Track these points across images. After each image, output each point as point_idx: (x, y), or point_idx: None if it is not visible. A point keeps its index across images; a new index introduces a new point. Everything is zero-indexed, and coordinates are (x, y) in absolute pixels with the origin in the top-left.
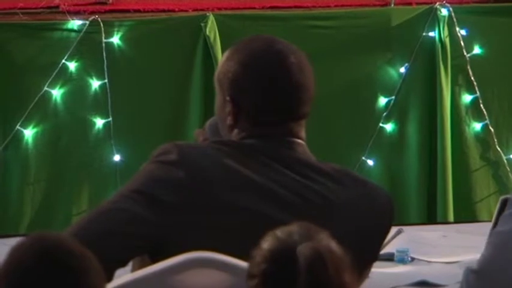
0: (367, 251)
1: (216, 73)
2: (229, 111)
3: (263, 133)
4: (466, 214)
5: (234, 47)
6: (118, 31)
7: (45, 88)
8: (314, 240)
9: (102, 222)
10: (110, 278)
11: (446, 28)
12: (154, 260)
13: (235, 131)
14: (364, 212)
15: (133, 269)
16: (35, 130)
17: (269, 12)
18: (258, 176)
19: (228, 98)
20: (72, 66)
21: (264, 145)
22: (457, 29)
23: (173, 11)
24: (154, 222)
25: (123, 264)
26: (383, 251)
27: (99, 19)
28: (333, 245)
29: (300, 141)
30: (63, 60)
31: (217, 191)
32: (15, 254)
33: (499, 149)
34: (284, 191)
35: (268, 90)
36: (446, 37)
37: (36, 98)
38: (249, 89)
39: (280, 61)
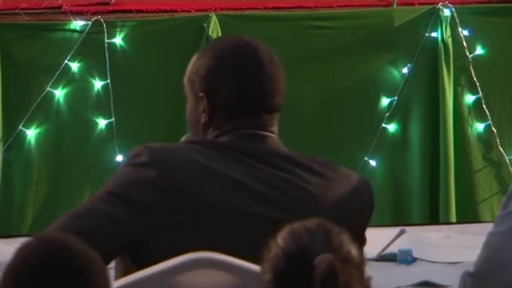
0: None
1: (186, 76)
2: (203, 108)
3: (236, 128)
4: (469, 214)
5: (203, 49)
6: (120, 31)
7: (48, 88)
8: (333, 245)
9: (78, 223)
10: None
11: (448, 28)
12: (135, 261)
13: (210, 130)
14: (345, 199)
15: (116, 273)
16: (37, 130)
17: (271, 12)
18: (232, 172)
19: (201, 94)
20: (74, 66)
21: (237, 141)
22: (460, 29)
23: (176, 11)
24: (129, 222)
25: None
26: (386, 251)
27: (101, 19)
28: (352, 248)
29: (271, 134)
30: (66, 61)
31: (190, 189)
32: (21, 255)
33: (501, 149)
34: (260, 185)
35: (241, 81)
36: (448, 37)
37: (39, 99)
38: (222, 82)
39: (252, 52)
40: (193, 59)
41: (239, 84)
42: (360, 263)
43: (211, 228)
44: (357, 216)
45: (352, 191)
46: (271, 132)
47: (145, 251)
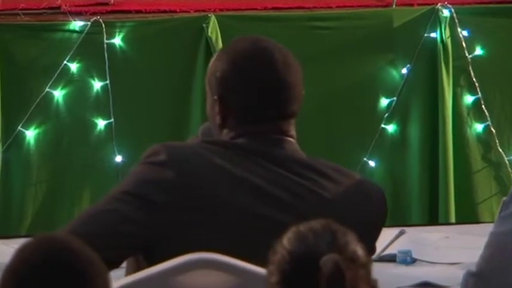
0: (366, 248)
1: (207, 75)
2: (217, 111)
3: (252, 132)
4: (468, 215)
5: (223, 48)
6: (120, 32)
7: (47, 89)
8: (339, 245)
9: (93, 224)
10: None
11: (448, 29)
12: (149, 261)
13: (225, 130)
14: (359, 207)
15: (128, 271)
16: (36, 131)
17: (271, 13)
18: (248, 174)
19: (215, 97)
20: (73, 67)
21: (253, 144)
22: (459, 29)
23: (175, 11)
24: (145, 223)
25: (116, 265)
26: (385, 252)
27: (100, 20)
28: (358, 248)
29: (289, 139)
30: (65, 61)
31: (206, 190)
32: (21, 255)
33: (500, 150)
34: (275, 188)
35: (254, 88)
36: (448, 38)
37: (38, 99)
38: (235, 87)
39: (266, 58)
40: (213, 59)
41: (250, 91)
42: (366, 263)
43: (225, 229)
44: (368, 224)
45: (366, 198)
46: (290, 136)
47: (160, 251)
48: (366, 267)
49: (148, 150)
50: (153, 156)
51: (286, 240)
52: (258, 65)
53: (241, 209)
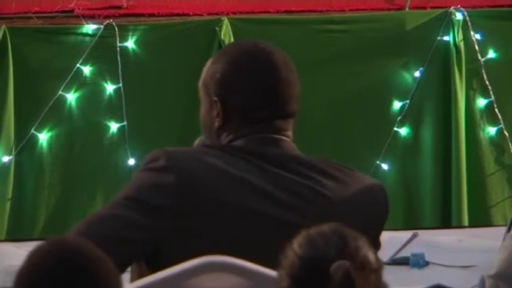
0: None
1: (201, 79)
2: (217, 113)
3: (250, 132)
4: (481, 218)
5: (218, 53)
6: (132, 35)
7: (60, 92)
8: (349, 251)
9: (97, 229)
10: None
11: (460, 32)
12: (153, 266)
13: (224, 134)
14: (359, 202)
15: (132, 278)
16: (49, 134)
17: (284, 16)
18: (248, 175)
19: (215, 99)
20: (86, 70)
21: (252, 145)
22: (472, 33)
23: (188, 15)
24: (148, 227)
25: (121, 269)
26: (398, 255)
27: (113, 23)
28: (369, 254)
29: (286, 138)
30: (78, 65)
31: (207, 193)
32: (34, 258)
33: None
34: (276, 188)
35: (255, 87)
36: (460, 41)
37: (51, 102)
38: (237, 87)
39: (267, 58)
40: (209, 62)
41: (253, 90)
42: (377, 268)
43: (229, 232)
44: (371, 220)
45: (367, 195)
46: (286, 136)
47: (164, 256)
48: (377, 272)
49: (148, 156)
50: (153, 162)
51: (297, 244)
52: (260, 64)
53: (243, 210)
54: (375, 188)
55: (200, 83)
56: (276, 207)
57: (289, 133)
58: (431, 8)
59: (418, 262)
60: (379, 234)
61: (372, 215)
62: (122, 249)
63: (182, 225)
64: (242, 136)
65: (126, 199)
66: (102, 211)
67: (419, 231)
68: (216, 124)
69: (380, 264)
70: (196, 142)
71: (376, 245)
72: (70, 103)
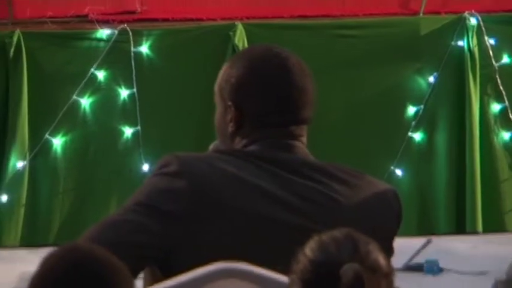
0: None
1: (216, 83)
2: (231, 118)
3: (265, 137)
4: (495, 224)
5: (233, 57)
6: (147, 40)
7: (74, 97)
8: (360, 255)
9: (109, 234)
10: None
11: (475, 37)
12: (166, 271)
13: (237, 139)
14: (372, 208)
15: (145, 284)
16: (63, 139)
17: (297, 21)
18: (260, 181)
19: (230, 104)
20: (100, 75)
21: (266, 150)
22: (486, 38)
23: (202, 19)
24: (160, 232)
25: (133, 275)
26: (412, 262)
27: (127, 28)
28: (380, 258)
29: (299, 143)
30: (92, 69)
31: (219, 198)
32: (47, 264)
33: None
34: (288, 194)
35: (270, 92)
36: (475, 46)
37: (65, 107)
38: (252, 92)
39: (282, 63)
40: (224, 66)
41: (268, 95)
42: (388, 272)
43: (240, 237)
44: (384, 225)
45: (380, 200)
46: (300, 142)
47: (176, 261)
48: (388, 277)
49: (160, 161)
50: (165, 167)
51: (309, 249)
52: (275, 70)
53: (254, 215)
54: (388, 194)
55: (216, 87)
56: (287, 212)
57: (304, 139)
58: (446, 13)
59: (432, 268)
60: (392, 240)
61: (385, 220)
62: (132, 254)
63: (193, 230)
64: (255, 141)
65: (138, 204)
66: (113, 216)
67: (433, 238)
68: (230, 129)
69: (391, 269)
70: (211, 147)
71: (389, 251)
72: (84, 108)
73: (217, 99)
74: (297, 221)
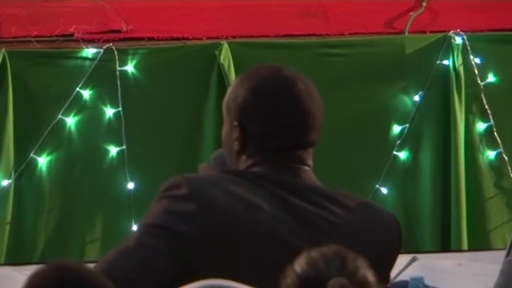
0: (379, 276)
1: (225, 99)
2: (236, 137)
3: (271, 161)
4: (480, 242)
5: (244, 74)
6: (132, 59)
7: (60, 116)
8: (348, 271)
9: (128, 258)
10: None
11: (460, 56)
12: None
13: (243, 157)
14: (373, 236)
15: None
16: (49, 158)
17: (283, 40)
18: (266, 204)
19: (235, 123)
20: (86, 94)
21: (271, 173)
22: (471, 57)
23: (187, 39)
24: (172, 254)
25: None
26: (397, 279)
27: (113, 47)
28: (368, 274)
29: (306, 167)
30: (78, 88)
31: (229, 221)
32: (33, 282)
33: None
34: (292, 218)
35: (276, 116)
36: (460, 65)
37: (50, 126)
38: (257, 115)
39: (289, 87)
40: (234, 83)
41: (273, 119)
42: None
43: (249, 258)
44: (383, 252)
45: (382, 227)
46: (307, 165)
47: (187, 283)
48: None
49: (167, 182)
50: (175, 190)
51: (298, 264)
52: (281, 94)
53: (264, 237)
54: (390, 223)
55: (224, 103)
56: (293, 236)
57: (310, 162)
58: (431, 32)
59: (418, 286)
60: (389, 267)
61: (383, 247)
62: (152, 278)
63: (205, 254)
64: (259, 163)
65: (151, 226)
66: (130, 240)
67: (418, 255)
68: (236, 147)
69: (379, 286)
70: (213, 155)
71: (384, 278)
72: (69, 127)
73: (225, 115)
74: (303, 245)
